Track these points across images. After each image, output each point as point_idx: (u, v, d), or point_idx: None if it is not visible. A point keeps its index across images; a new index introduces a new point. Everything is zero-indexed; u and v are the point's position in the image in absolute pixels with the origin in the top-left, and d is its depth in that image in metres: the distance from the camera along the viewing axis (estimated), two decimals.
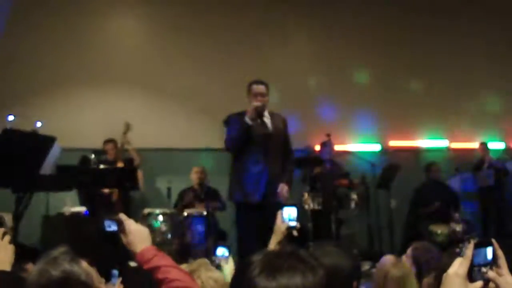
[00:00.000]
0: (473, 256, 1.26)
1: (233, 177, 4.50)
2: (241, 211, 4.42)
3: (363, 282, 3.51)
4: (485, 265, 1.28)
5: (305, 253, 1.16)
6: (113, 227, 1.85)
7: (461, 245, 2.60)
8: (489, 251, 1.29)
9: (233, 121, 4.42)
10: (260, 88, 4.38)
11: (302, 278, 1.06)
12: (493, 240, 1.30)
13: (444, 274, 1.28)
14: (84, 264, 1.65)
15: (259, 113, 4.34)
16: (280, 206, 2.49)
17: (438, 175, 7.01)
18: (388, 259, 2.63)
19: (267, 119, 4.41)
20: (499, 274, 1.28)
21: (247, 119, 4.23)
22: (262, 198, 4.25)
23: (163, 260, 1.73)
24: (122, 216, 1.86)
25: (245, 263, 1.13)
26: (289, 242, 2.46)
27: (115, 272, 2.28)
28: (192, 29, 7.44)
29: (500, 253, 1.30)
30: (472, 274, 1.26)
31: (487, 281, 1.28)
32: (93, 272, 1.69)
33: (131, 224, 1.83)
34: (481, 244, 1.29)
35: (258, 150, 4.31)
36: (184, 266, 1.97)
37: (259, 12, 7.72)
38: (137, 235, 1.81)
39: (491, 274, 1.27)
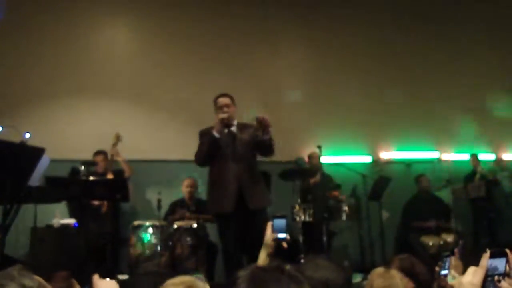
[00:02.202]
0: (487, 266, 1.27)
1: (209, 189, 4.57)
2: (218, 222, 4.46)
3: None
4: (498, 275, 1.28)
5: (291, 267, 1.15)
6: None
7: (440, 263, 2.59)
8: (502, 262, 1.30)
9: (202, 136, 4.53)
10: (225, 100, 4.50)
11: None
12: (508, 251, 1.31)
13: (458, 283, 1.28)
14: (39, 279, 1.62)
15: (226, 124, 4.40)
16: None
17: (427, 186, 7.03)
18: (377, 270, 2.62)
19: (234, 129, 4.48)
20: None
21: (214, 132, 4.31)
22: (234, 208, 4.23)
23: None
24: (94, 276, 1.85)
25: (232, 278, 1.12)
26: (279, 254, 2.44)
27: None
28: (183, 41, 7.45)
29: None
30: (485, 284, 1.27)
31: None
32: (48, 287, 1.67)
33: (96, 279, 1.83)
34: (495, 255, 1.30)
35: (226, 160, 4.36)
36: (178, 280, 1.91)
37: (251, 26, 7.74)
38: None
39: (504, 284, 1.28)
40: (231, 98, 4.56)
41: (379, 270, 2.61)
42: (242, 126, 4.52)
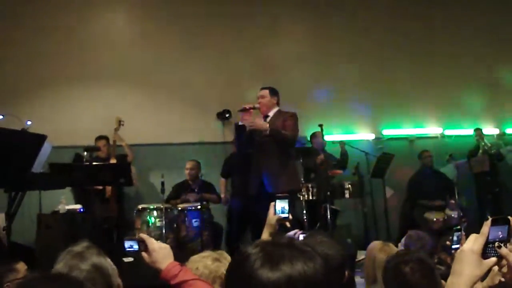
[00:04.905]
0: (489, 233, 1.27)
1: None
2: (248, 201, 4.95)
3: (358, 271, 3.51)
4: (500, 242, 1.28)
5: (301, 242, 1.16)
6: (135, 247, 1.90)
7: (451, 237, 2.60)
8: (505, 229, 1.30)
9: None
10: (260, 92, 4.92)
11: (304, 266, 1.06)
12: (510, 218, 1.31)
13: (459, 250, 1.30)
14: (108, 259, 1.70)
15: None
16: (271, 197, 2.50)
17: (430, 161, 7.03)
18: (375, 244, 2.67)
19: (269, 118, 4.80)
20: None
21: (239, 121, 4.77)
22: (255, 190, 4.62)
23: (188, 274, 1.81)
24: (143, 235, 1.90)
25: (240, 256, 1.11)
26: (283, 233, 2.46)
27: None
28: (181, 23, 7.38)
29: None
30: (486, 251, 1.26)
31: (500, 257, 1.28)
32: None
33: (153, 243, 1.87)
34: (498, 222, 1.29)
35: (255, 147, 4.74)
36: (207, 254, 2.07)
37: (250, 5, 7.66)
38: (160, 252, 1.85)
39: (504, 250, 1.28)
40: (271, 89, 4.92)
41: (378, 244, 2.65)
42: (279, 114, 4.83)
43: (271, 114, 4.83)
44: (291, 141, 4.77)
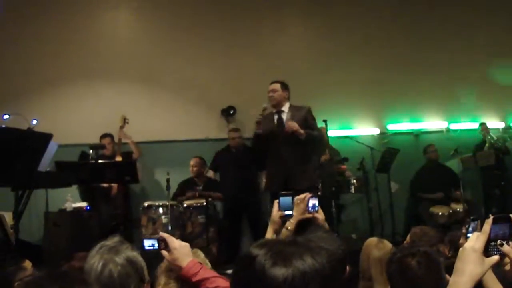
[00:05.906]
0: (491, 231, 1.27)
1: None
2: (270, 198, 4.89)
3: None
4: (502, 240, 1.28)
5: (304, 239, 1.18)
6: (155, 246, 1.94)
7: (466, 226, 2.60)
8: (506, 227, 1.30)
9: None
10: (271, 86, 4.87)
11: (313, 260, 1.09)
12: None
13: (461, 248, 1.30)
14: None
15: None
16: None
17: (435, 155, 7.01)
18: (370, 241, 2.70)
19: (284, 115, 4.81)
20: None
21: (256, 131, 4.78)
22: (277, 188, 4.47)
23: (208, 272, 1.86)
24: (164, 234, 1.93)
25: (247, 257, 1.12)
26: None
27: None
28: (187, 20, 7.39)
29: None
30: (488, 249, 1.26)
31: (503, 255, 1.28)
32: None
33: (174, 241, 1.90)
34: (500, 220, 1.29)
35: (273, 145, 4.74)
36: None
37: (254, 1, 7.65)
38: (181, 250, 1.89)
39: (506, 248, 1.27)
40: (282, 83, 4.89)
41: (373, 240, 2.67)
42: (294, 110, 4.82)
43: (285, 109, 4.83)
44: (321, 141, 4.91)
